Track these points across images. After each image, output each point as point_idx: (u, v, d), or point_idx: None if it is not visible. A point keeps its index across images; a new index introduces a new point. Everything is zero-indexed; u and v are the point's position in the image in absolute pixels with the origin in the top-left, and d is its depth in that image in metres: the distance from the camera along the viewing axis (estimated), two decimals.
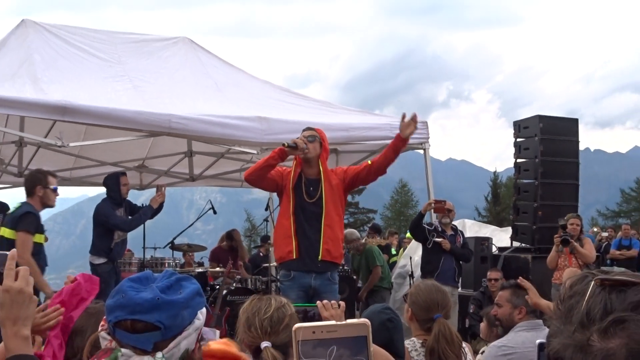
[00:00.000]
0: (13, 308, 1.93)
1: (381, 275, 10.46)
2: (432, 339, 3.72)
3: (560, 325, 1.05)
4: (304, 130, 6.42)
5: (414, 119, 6.35)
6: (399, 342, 3.73)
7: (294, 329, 1.08)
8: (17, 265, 2.00)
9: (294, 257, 6.17)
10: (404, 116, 6.42)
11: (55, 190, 7.13)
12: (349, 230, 10.91)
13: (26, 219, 6.76)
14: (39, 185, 6.99)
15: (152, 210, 8.57)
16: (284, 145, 6.12)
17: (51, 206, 7.22)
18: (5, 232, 6.84)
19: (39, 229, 6.92)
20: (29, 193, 7.02)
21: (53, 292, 3.08)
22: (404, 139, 6.33)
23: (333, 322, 1.07)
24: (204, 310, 2.04)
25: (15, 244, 6.55)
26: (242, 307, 3.10)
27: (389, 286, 10.63)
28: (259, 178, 6.23)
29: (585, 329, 1.01)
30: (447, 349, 3.69)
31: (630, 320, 0.99)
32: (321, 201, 6.23)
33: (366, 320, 1.10)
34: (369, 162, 6.51)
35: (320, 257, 6.18)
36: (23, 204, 7.00)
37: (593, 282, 1.05)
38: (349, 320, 1.09)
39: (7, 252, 2.02)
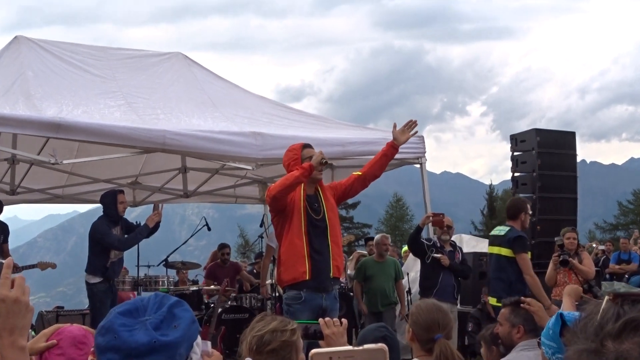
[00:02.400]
0: (9, 318, 1.90)
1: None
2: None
3: (574, 337, 1.07)
4: (304, 147, 6.36)
5: (410, 125, 6.36)
6: None
7: (311, 354, 1.08)
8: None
9: (307, 277, 6.07)
10: (395, 125, 6.48)
11: None
12: (383, 234, 11.01)
13: None
14: None
15: (149, 230, 8.57)
16: (322, 162, 6.08)
17: None
18: None
19: None
20: None
21: None
22: (397, 147, 6.38)
23: (350, 348, 1.08)
24: (199, 340, 1.99)
25: None
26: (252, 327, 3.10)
27: (396, 301, 10.58)
28: (286, 195, 6.06)
29: (598, 336, 1.03)
30: None
31: None
32: (325, 216, 6.23)
33: (383, 345, 1.10)
34: (359, 172, 6.51)
35: (331, 274, 6.20)
36: None
37: (606, 298, 1.07)
38: (367, 346, 1.10)
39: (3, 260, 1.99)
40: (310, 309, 6.08)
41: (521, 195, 10.78)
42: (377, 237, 10.94)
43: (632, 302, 1.05)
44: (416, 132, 6.77)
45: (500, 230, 8.01)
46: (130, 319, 1.89)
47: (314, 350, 1.07)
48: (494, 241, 7.99)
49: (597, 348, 1.02)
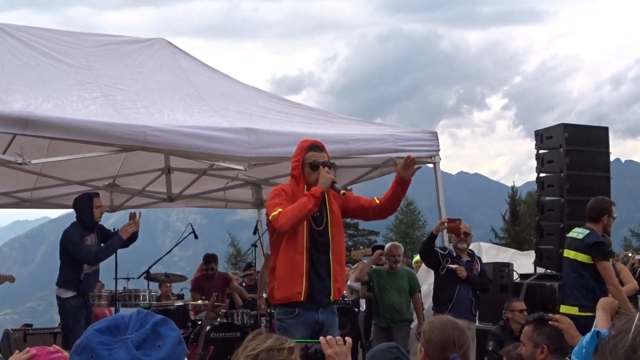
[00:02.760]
0: None
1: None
2: None
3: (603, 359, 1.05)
4: (309, 150, 6.35)
5: (409, 162, 6.35)
6: None
7: None
8: None
9: (302, 299, 6.08)
10: (395, 162, 6.54)
11: None
12: (394, 243, 10.99)
13: None
14: None
15: (122, 241, 8.54)
16: (341, 193, 6.20)
17: None
18: None
19: None
20: None
21: None
22: (406, 182, 6.39)
23: None
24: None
25: None
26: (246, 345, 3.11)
27: (410, 317, 10.54)
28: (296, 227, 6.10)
29: (630, 359, 1.00)
30: None
31: None
32: (327, 228, 6.24)
33: None
34: (377, 200, 6.51)
35: (332, 297, 6.23)
36: None
37: (638, 316, 1.06)
38: None
39: None
40: (305, 324, 6.10)
41: (547, 198, 10.79)
42: (387, 246, 10.90)
43: None
44: (419, 167, 6.84)
45: (578, 232, 8.00)
46: (109, 337, 1.89)
47: None
48: (571, 244, 7.99)
49: None
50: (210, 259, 11.56)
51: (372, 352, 3.96)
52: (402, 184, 6.36)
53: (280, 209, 5.99)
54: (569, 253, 8.01)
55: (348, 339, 3.37)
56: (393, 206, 6.52)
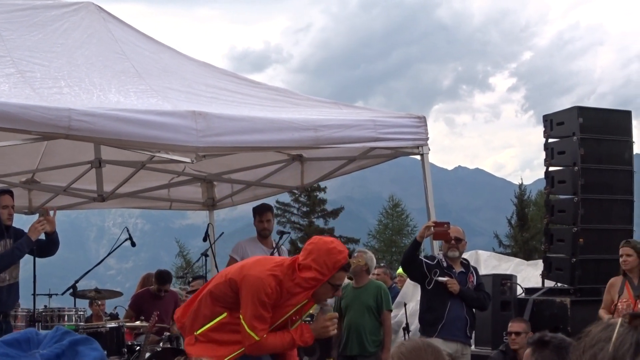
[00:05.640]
0: None
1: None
2: None
3: None
4: (342, 269, 6.46)
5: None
6: None
7: None
8: None
9: None
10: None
11: None
12: (359, 250, 10.91)
13: None
14: None
15: (30, 244, 8.48)
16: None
17: None
18: None
19: None
20: None
21: None
22: None
23: None
24: None
25: None
26: None
27: (378, 343, 10.41)
28: None
29: None
30: None
31: None
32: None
33: None
34: None
35: None
36: None
37: (620, 322, 1.06)
38: None
39: None
40: None
41: (558, 196, 10.85)
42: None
43: None
44: None
45: None
46: (16, 350, 1.90)
47: None
48: None
49: None
50: (166, 279, 11.56)
51: None
52: None
53: (261, 330, 6.24)
54: None
55: None
56: None
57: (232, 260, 9.90)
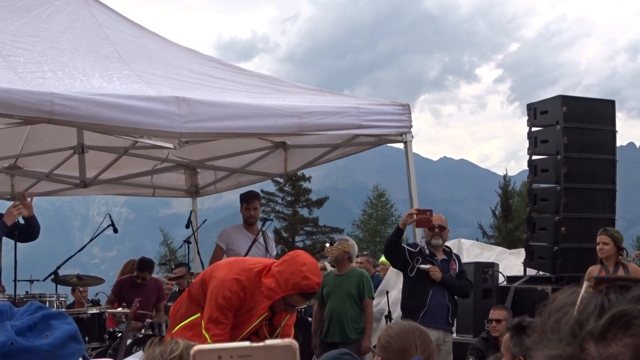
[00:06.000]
0: None
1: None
2: None
3: (544, 339, 1.05)
4: (300, 295, 6.45)
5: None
6: None
7: (192, 352, 1.08)
8: None
9: None
10: None
11: None
12: (340, 238, 10.88)
13: None
14: None
15: (5, 228, 8.43)
16: None
17: None
18: None
19: None
20: None
21: None
22: None
23: (247, 344, 1.07)
24: None
25: None
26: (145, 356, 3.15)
27: (360, 330, 10.37)
28: None
29: (577, 337, 1.01)
30: None
31: (637, 315, 0.98)
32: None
33: (292, 341, 1.10)
34: None
35: None
36: None
37: (585, 287, 1.06)
38: (269, 341, 1.09)
39: None
40: None
41: (540, 185, 10.90)
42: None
43: (620, 290, 1.03)
44: None
45: None
46: None
47: (196, 347, 1.08)
48: None
49: (574, 353, 1.01)
50: (146, 266, 11.53)
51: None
52: None
53: (215, 335, 6.25)
54: None
55: None
56: None
57: (217, 248, 9.93)
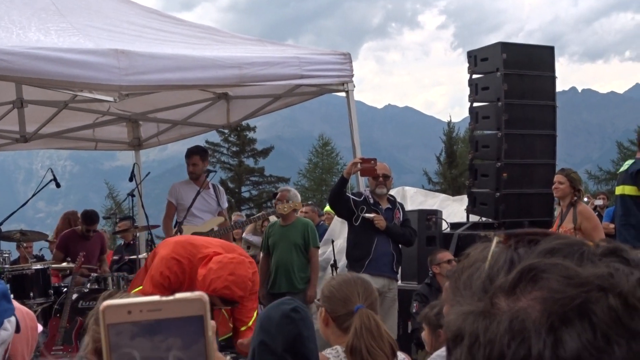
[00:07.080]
0: None
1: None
2: (352, 335, 3.67)
3: (457, 296, 1.06)
4: (221, 300, 6.41)
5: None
6: (309, 342, 3.61)
7: (101, 308, 1.07)
8: None
9: None
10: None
11: None
12: (283, 188, 10.86)
13: None
14: None
15: None
16: None
17: None
18: None
19: None
20: None
21: None
22: None
23: (156, 298, 1.06)
24: (12, 319, 2.00)
25: None
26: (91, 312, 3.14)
27: (306, 280, 10.44)
28: None
29: (487, 292, 1.01)
30: (374, 346, 3.63)
31: (544, 268, 0.98)
32: None
33: (202, 294, 1.09)
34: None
35: None
36: None
37: (495, 242, 1.07)
38: (179, 295, 1.08)
39: None
40: None
41: (482, 132, 10.99)
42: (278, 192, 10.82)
43: (529, 244, 1.04)
44: None
45: (626, 164, 8.25)
46: None
47: (106, 302, 1.07)
48: (619, 179, 8.25)
49: (485, 309, 1.00)
50: (93, 219, 11.49)
51: (263, 311, 3.96)
52: None
53: None
54: (617, 189, 8.31)
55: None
56: None
57: (168, 204, 9.92)
